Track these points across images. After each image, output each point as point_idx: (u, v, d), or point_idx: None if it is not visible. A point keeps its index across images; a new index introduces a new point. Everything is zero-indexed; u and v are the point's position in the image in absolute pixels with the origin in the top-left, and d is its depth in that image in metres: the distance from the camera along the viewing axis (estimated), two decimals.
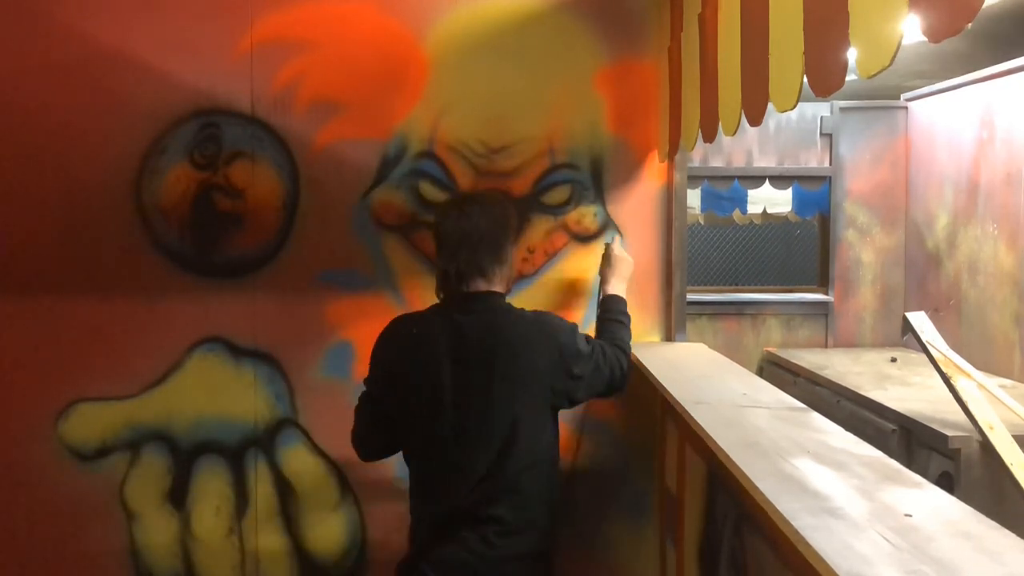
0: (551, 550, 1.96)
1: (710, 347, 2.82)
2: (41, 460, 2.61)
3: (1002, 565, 1.07)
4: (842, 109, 4.81)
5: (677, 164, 2.73)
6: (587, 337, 2.01)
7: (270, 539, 2.68)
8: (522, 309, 1.92)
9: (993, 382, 3.12)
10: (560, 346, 1.85)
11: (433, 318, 1.90)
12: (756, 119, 1.73)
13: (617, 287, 2.30)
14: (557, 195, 2.70)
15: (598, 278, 2.54)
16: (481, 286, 1.88)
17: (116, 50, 2.57)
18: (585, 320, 2.72)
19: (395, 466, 1.90)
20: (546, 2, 2.65)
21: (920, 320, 3.10)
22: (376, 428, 1.94)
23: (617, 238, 2.65)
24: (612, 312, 2.19)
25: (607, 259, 2.36)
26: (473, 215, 1.87)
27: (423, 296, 2.65)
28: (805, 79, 1.45)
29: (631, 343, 2.11)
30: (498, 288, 1.91)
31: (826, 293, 4.91)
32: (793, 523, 1.22)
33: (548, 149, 2.68)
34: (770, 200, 5.03)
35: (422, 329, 1.88)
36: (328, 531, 2.69)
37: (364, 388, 1.99)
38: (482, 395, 1.80)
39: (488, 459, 1.80)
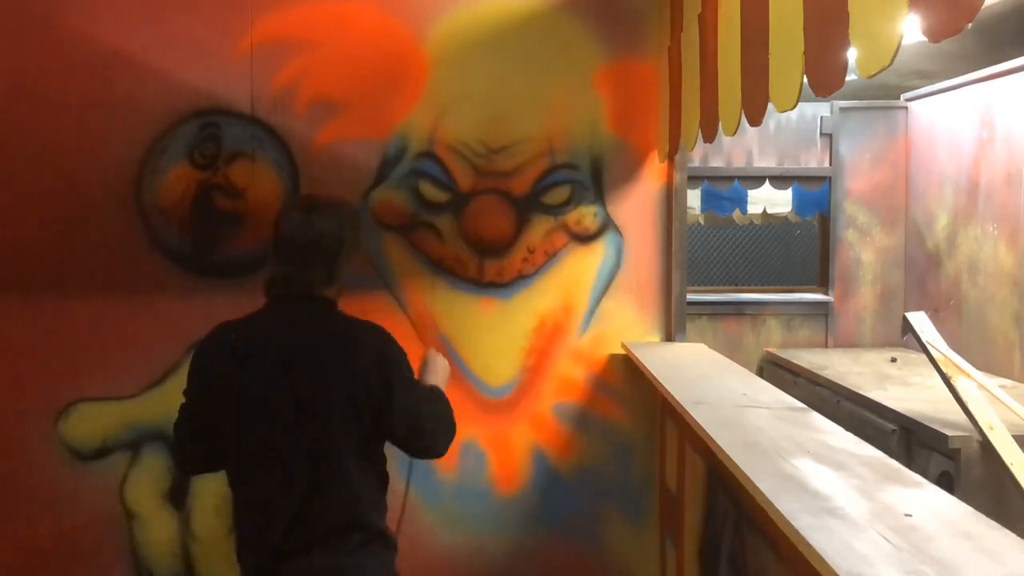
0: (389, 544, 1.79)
1: (710, 347, 2.82)
2: (41, 460, 2.61)
3: (1002, 565, 1.07)
4: (842, 109, 4.81)
5: (677, 164, 2.73)
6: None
7: None
8: (352, 317, 1.79)
9: (993, 382, 3.12)
10: (383, 357, 1.71)
11: (255, 322, 1.79)
12: (756, 119, 1.73)
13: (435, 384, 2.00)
14: (557, 195, 2.70)
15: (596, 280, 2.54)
16: (311, 290, 1.76)
17: (116, 50, 2.57)
18: (584, 321, 2.73)
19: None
20: (546, 2, 2.65)
21: (920, 320, 3.10)
22: (194, 439, 1.82)
23: (431, 349, 2.12)
24: (438, 391, 1.93)
25: (426, 366, 2.01)
26: (317, 223, 1.76)
27: (423, 296, 2.66)
28: (805, 79, 1.45)
29: (452, 428, 1.86)
30: (327, 294, 1.79)
31: (826, 293, 4.90)
32: (793, 523, 1.22)
33: (548, 149, 2.68)
34: (770, 200, 5.03)
35: (240, 334, 1.78)
36: None
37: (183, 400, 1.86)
38: (310, 407, 1.68)
39: (304, 468, 1.68)
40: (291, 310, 1.77)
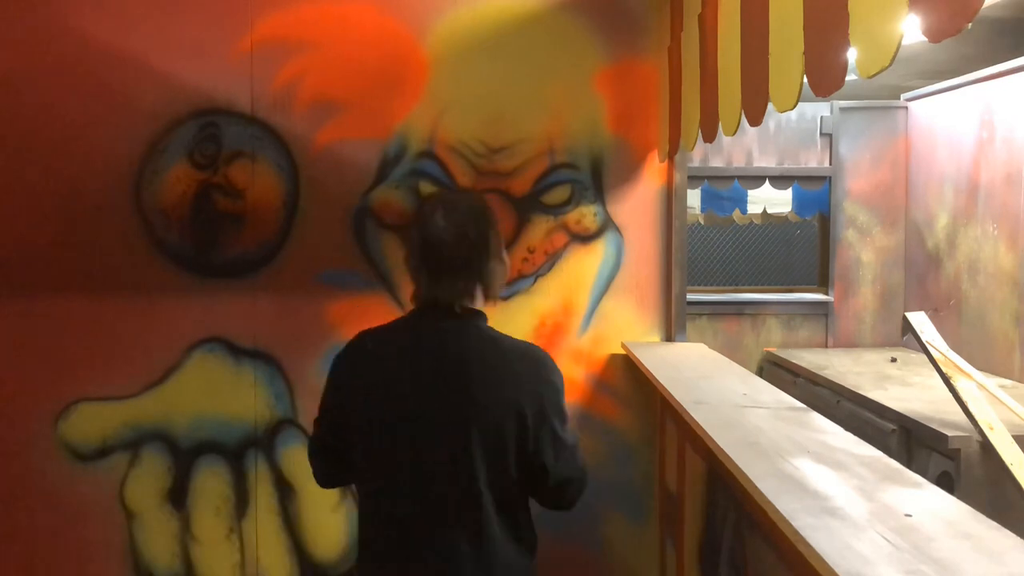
0: None
1: (710, 347, 2.82)
2: (41, 460, 2.61)
3: (1002, 565, 1.07)
4: (842, 109, 4.81)
5: (677, 164, 2.73)
6: None
7: (270, 539, 2.68)
8: (508, 336, 1.59)
9: (993, 382, 3.12)
10: (544, 389, 1.50)
11: (396, 332, 1.60)
12: (756, 119, 1.73)
13: None
14: (557, 195, 2.70)
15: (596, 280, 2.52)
16: (463, 302, 1.55)
17: (116, 50, 2.57)
18: (584, 321, 2.73)
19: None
20: (546, 2, 2.65)
21: (920, 320, 3.10)
22: (328, 454, 1.65)
23: None
24: None
25: None
26: (460, 219, 1.54)
27: None
28: (805, 79, 1.45)
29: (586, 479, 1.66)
30: (478, 304, 1.58)
31: (826, 293, 4.90)
32: (793, 523, 1.22)
33: (548, 149, 2.68)
34: (770, 200, 5.03)
35: (379, 345, 1.60)
36: (328, 531, 2.69)
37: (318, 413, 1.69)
38: (444, 430, 1.48)
39: (446, 491, 1.49)
40: (434, 324, 1.55)
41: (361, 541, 1.61)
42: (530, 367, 1.53)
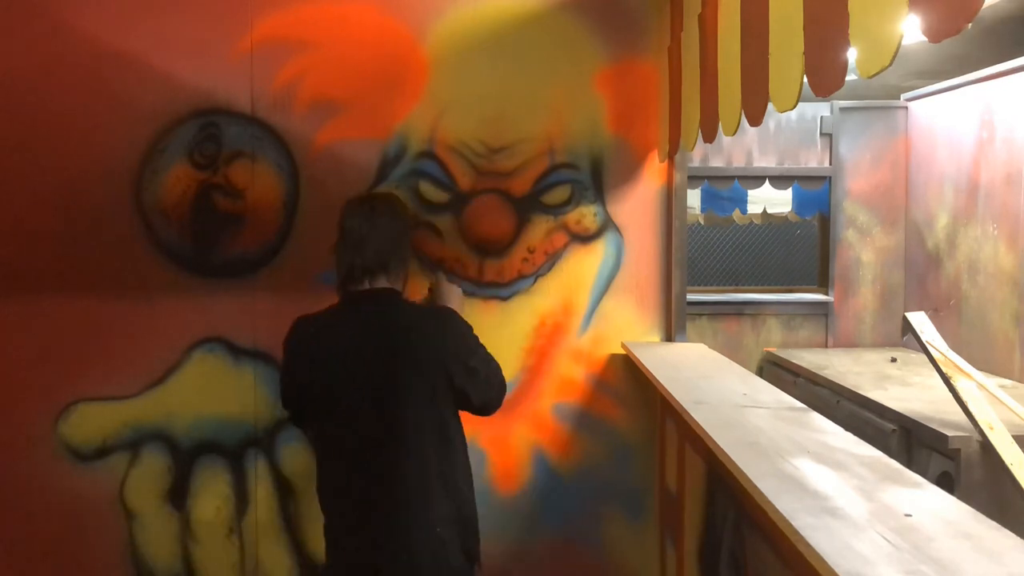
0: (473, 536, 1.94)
1: (710, 347, 2.82)
2: (41, 460, 2.61)
3: (1002, 565, 1.07)
4: (842, 109, 4.81)
5: (677, 164, 2.73)
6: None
7: (270, 539, 2.68)
8: (418, 304, 1.99)
9: (993, 382, 3.12)
10: (456, 338, 1.88)
11: (333, 317, 1.93)
12: (756, 119, 1.73)
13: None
14: (557, 195, 2.70)
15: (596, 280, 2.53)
16: (383, 283, 1.91)
17: (116, 50, 2.57)
18: (584, 321, 2.73)
19: None
20: (546, 2, 2.65)
21: (920, 320, 3.10)
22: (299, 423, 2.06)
23: (439, 273, 2.59)
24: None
25: (439, 292, 2.20)
26: (383, 215, 1.94)
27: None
28: (805, 79, 1.45)
29: (503, 382, 2.03)
30: (396, 286, 1.95)
31: (826, 293, 4.90)
32: (793, 523, 1.22)
33: (548, 149, 2.68)
34: (770, 200, 5.03)
35: (320, 328, 1.92)
36: None
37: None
38: (387, 392, 1.82)
39: (397, 458, 1.82)
40: (366, 303, 1.90)
41: (323, 501, 1.94)
42: (443, 325, 1.90)
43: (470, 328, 1.95)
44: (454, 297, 2.18)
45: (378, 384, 1.82)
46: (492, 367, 1.96)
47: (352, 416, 1.83)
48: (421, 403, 1.82)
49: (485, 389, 1.92)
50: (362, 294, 1.90)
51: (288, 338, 1.95)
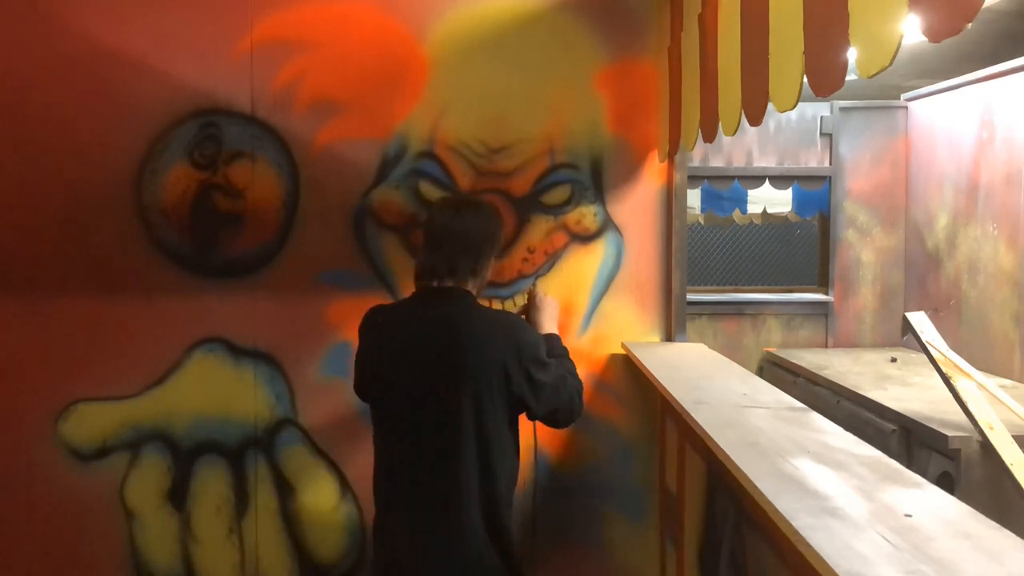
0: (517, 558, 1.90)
1: (710, 347, 2.82)
2: (41, 460, 2.61)
3: (1002, 565, 1.07)
4: (842, 109, 4.81)
5: (677, 164, 2.73)
6: (550, 353, 2.00)
7: (270, 539, 2.68)
8: (490, 308, 1.97)
9: (993, 382, 3.12)
10: (520, 346, 1.85)
11: (402, 309, 1.98)
12: (756, 119, 1.73)
13: (550, 328, 2.21)
14: (557, 195, 2.70)
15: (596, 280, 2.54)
16: (453, 281, 1.92)
17: (116, 50, 2.57)
18: (584, 321, 2.73)
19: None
20: (546, 2, 2.65)
21: (920, 320, 3.10)
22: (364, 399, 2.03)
23: (536, 281, 2.65)
24: (558, 349, 2.12)
25: (534, 303, 2.25)
26: (465, 218, 1.93)
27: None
28: (805, 79, 1.45)
29: (581, 393, 2.03)
30: (470, 288, 1.94)
31: (826, 293, 4.90)
32: (793, 523, 1.22)
33: (548, 149, 2.68)
34: (770, 200, 5.03)
35: (388, 319, 1.95)
36: (328, 531, 2.69)
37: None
38: (441, 388, 1.82)
39: (444, 452, 1.82)
40: (438, 301, 1.91)
41: (375, 488, 1.94)
42: (507, 331, 1.88)
43: (539, 338, 1.96)
44: (548, 308, 2.23)
45: (431, 378, 1.83)
46: (564, 381, 1.94)
47: (404, 406, 1.86)
48: (471, 403, 1.80)
49: (550, 401, 1.90)
50: (431, 291, 1.92)
51: (360, 325, 1.99)
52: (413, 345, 1.86)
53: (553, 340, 2.14)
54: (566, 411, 1.96)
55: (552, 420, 1.97)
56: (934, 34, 1.07)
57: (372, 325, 1.97)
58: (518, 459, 1.95)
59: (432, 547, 1.81)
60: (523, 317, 2.24)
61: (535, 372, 1.85)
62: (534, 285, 2.50)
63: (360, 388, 2.01)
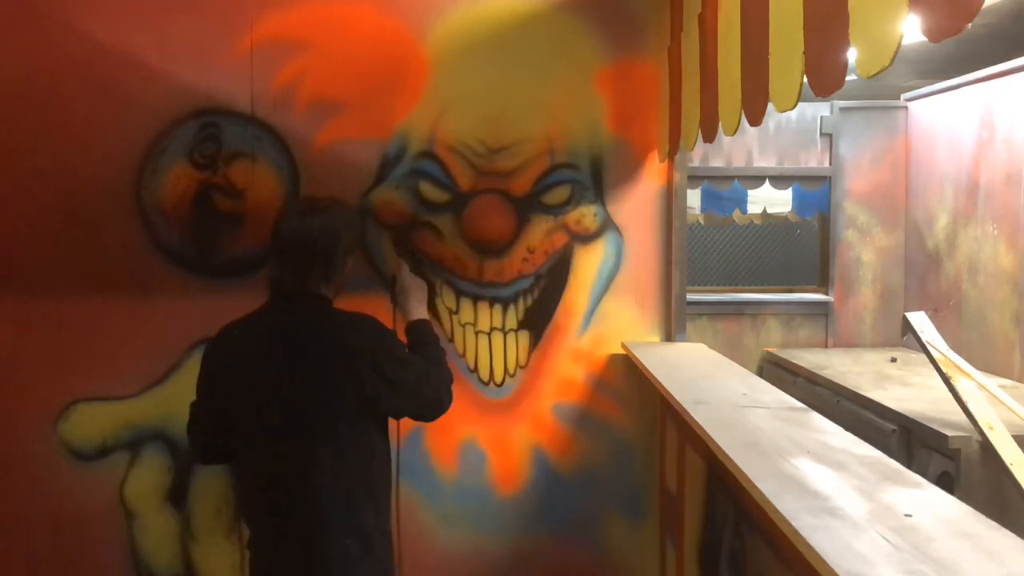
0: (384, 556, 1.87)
1: (710, 347, 2.82)
2: (41, 460, 2.61)
3: (1002, 565, 1.07)
4: (842, 109, 4.81)
5: (677, 164, 2.73)
6: (407, 348, 1.98)
7: None
8: (345, 311, 1.88)
9: (993, 382, 3.12)
10: (374, 344, 1.81)
11: (255, 320, 1.89)
12: (756, 119, 1.73)
13: (419, 313, 2.18)
14: (557, 195, 2.70)
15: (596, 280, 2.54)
16: (307, 288, 1.85)
17: (116, 50, 2.57)
18: (584, 321, 2.73)
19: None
20: (546, 2, 2.65)
21: (920, 320, 3.10)
22: (205, 435, 1.91)
23: (401, 264, 2.48)
24: (424, 335, 2.08)
25: (400, 288, 2.21)
26: (310, 225, 1.84)
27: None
28: (805, 79, 1.45)
29: (448, 383, 1.98)
30: (324, 292, 1.88)
31: (826, 293, 4.91)
32: (793, 523, 1.22)
33: (548, 149, 2.68)
34: (770, 200, 5.03)
35: (242, 331, 1.88)
36: None
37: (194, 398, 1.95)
38: (295, 395, 1.77)
39: (304, 459, 1.76)
40: (289, 309, 1.86)
41: (243, 511, 1.93)
42: (359, 333, 1.83)
43: (393, 337, 1.90)
44: (415, 291, 2.19)
45: (284, 388, 1.77)
46: (427, 376, 1.90)
47: (262, 419, 1.79)
48: (324, 411, 1.77)
49: (412, 399, 1.87)
50: (282, 298, 1.86)
51: (210, 344, 1.92)
52: (266, 355, 1.80)
53: (420, 326, 2.10)
54: (433, 405, 1.92)
55: (419, 417, 1.94)
56: (934, 34, 1.07)
57: (225, 339, 1.89)
58: (388, 464, 1.90)
59: (311, 569, 1.76)
60: (393, 302, 2.21)
61: (392, 371, 1.80)
62: (398, 269, 2.36)
63: (207, 411, 1.88)
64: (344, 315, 1.87)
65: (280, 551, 1.79)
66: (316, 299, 1.86)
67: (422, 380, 1.88)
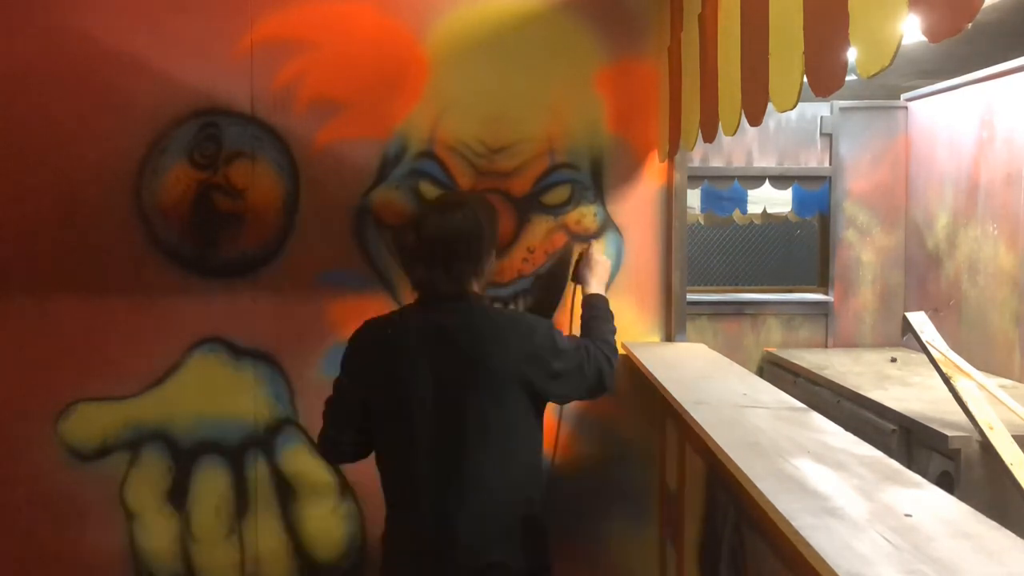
0: (544, 558, 1.92)
1: (710, 347, 2.82)
2: (41, 460, 2.61)
3: (1002, 565, 1.07)
4: (842, 109, 4.81)
5: (677, 164, 2.73)
6: (568, 336, 1.97)
7: (270, 539, 2.68)
8: (499, 308, 1.91)
9: (993, 382, 3.12)
10: (535, 343, 1.81)
11: (408, 318, 1.88)
12: (756, 119, 1.73)
13: (598, 288, 2.25)
14: (557, 195, 2.70)
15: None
16: (457, 287, 1.84)
17: (116, 50, 2.57)
18: None
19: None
20: (546, 2, 2.65)
21: (920, 320, 3.10)
22: (349, 427, 1.90)
23: (594, 242, 2.62)
24: (597, 309, 2.13)
25: (587, 262, 2.31)
26: (454, 221, 1.84)
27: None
28: (805, 79, 1.45)
29: (616, 343, 2.07)
30: (474, 289, 1.88)
31: (826, 293, 4.91)
32: (793, 523, 1.22)
33: (548, 149, 2.68)
34: (770, 200, 5.03)
35: (396, 330, 1.87)
36: (328, 531, 2.69)
37: (333, 391, 1.95)
38: (457, 395, 1.77)
39: (462, 458, 1.77)
40: (440, 309, 1.83)
41: (387, 502, 1.88)
42: (518, 330, 1.83)
43: (550, 328, 1.89)
44: (598, 268, 2.26)
45: (445, 389, 1.77)
46: (586, 358, 1.91)
47: (417, 418, 1.79)
48: (489, 410, 1.77)
49: (577, 384, 1.89)
50: (434, 297, 1.84)
51: (354, 340, 1.92)
52: (428, 355, 1.79)
53: (595, 299, 2.18)
54: (594, 386, 1.93)
55: (595, 395, 1.97)
56: (934, 34, 1.07)
57: (377, 337, 1.88)
58: (540, 455, 1.93)
59: (447, 546, 1.77)
60: (572, 272, 2.33)
61: (554, 364, 1.82)
62: (589, 244, 2.51)
63: (351, 402, 1.88)
64: (502, 315, 1.96)
65: (416, 528, 1.80)
66: (473, 299, 1.85)
67: (582, 364, 1.89)
